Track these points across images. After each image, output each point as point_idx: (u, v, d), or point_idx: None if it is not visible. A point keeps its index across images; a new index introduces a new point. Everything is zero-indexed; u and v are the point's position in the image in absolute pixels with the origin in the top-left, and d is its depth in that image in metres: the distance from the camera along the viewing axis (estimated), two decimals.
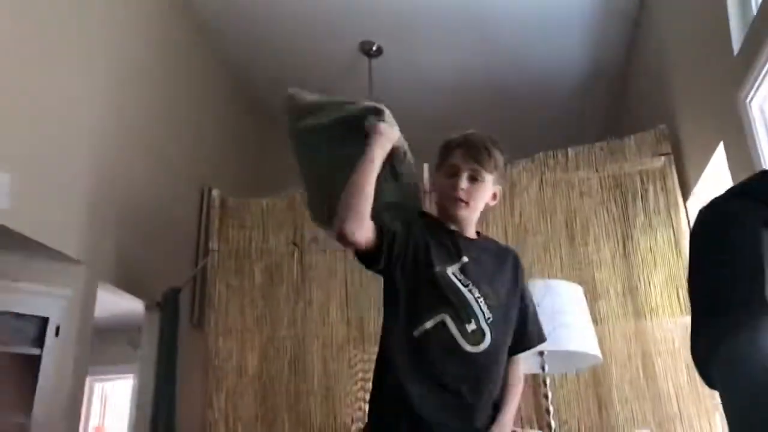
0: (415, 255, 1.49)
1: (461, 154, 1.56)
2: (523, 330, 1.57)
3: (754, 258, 0.93)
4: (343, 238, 1.43)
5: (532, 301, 1.63)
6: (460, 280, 1.48)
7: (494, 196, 1.60)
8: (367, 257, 1.48)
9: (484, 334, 1.44)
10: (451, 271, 1.49)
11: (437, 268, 1.48)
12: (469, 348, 1.42)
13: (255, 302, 3.18)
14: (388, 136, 1.57)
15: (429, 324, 1.42)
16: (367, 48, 3.97)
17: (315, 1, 3.63)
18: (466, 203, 1.54)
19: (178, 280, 3.33)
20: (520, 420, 2.51)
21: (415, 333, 1.42)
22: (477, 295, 1.47)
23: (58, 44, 2.59)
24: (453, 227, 1.57)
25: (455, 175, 1.54)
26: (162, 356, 3.14)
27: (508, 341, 1.53)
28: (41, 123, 2.42)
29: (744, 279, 0.93)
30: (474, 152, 1.55)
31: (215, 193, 3.43)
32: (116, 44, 3.01)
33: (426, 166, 3.28)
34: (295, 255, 3.20)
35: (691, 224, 2.81)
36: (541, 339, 1.63)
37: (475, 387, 1.42)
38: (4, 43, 2.26)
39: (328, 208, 1.56)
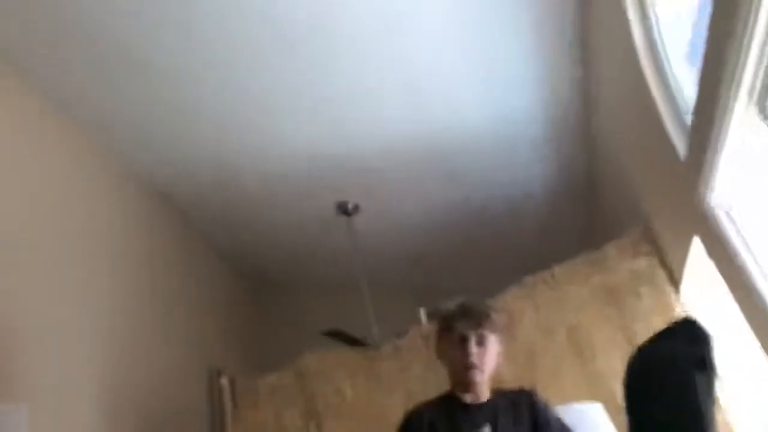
0: None
1: (465, 323, 1.67)
2: None
3: (692, 403, 0.96)
4: None
5: (559, 425, 1.64)
6: None
7: (499, 354, 1.69)
8: None
9: None
10: None
11: None
12: None
13: None
14: None
15: None
16: (344, 207, 4.15)
17: (286, 172, 3.83)
18: (480, 368, 1.62)
19: None
20: None
21: None
22: None
23: (58, 262, 2.70)
24: (467, 398, 1.63)
25: (463, 343, 1.64)
26: None
27: None
28: (46, 346, 2.47)
29: (685, 427, 0.95)
30: (476, 318, 1.67)
31: (224, 380, 3.42)
32: (110, 249, 3.14)
33: (422, 311, 3.35)
34: (312, 427, 3.15)
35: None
36: None
37: None
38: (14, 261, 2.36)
39: None
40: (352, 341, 3.83)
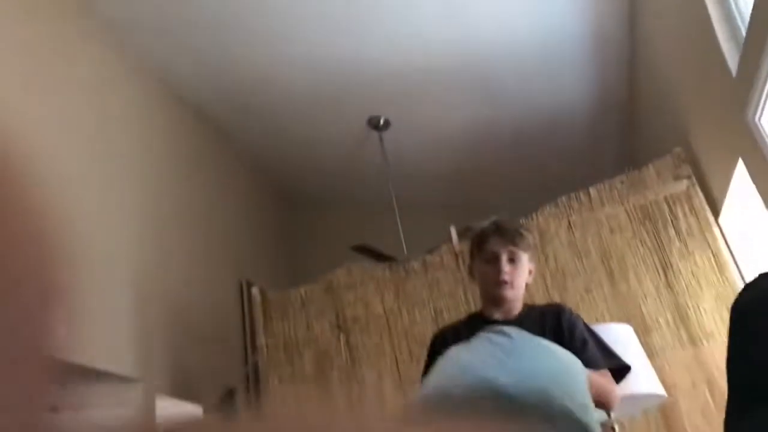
0: None
1: (497, 240, 1.66)
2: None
3: None
4: None
5: (582, 337, 1.62)
6: None
7: (530, 272, 1.68)
8: None
9: None
10: None
11: None
12: None
13: (309, 391, 3.19)
14: None
15: None
16: (375, 122, 4.08)
17: (318, 85, 3.76)
18: (511, 284, 1.62)
19: (231, 379, 3.37)
20: None
21: None
22: None
23: (90, 164, 2.73)
24: (497, 315, 1.63)
25: (495, 260, 1.64)
26: None
27: None
28: (83, 254, 2.53)
29: None
30: (509, 236, 1.66)
31: (255, 290, 3.50)
32: (145, 158, 3.16)
33: (453, 229, 3.33)
34: (341, 338, 3.23)
35: (728, 241, 2.82)
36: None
37: None
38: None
39: None
40: (381, 257, 3.85)
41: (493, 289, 1.66)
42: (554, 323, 1.65)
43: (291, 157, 4.52)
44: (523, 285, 1.68)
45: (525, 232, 1.72)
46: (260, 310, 3.40)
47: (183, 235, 3.38)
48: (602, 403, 1.51)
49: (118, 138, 2.99)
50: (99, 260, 2.62)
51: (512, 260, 1.66)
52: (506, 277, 1.63)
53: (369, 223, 4.58)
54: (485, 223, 1.75)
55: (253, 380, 3.53)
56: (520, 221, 1.79)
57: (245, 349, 3.74)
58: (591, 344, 1.60)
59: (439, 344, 1.63)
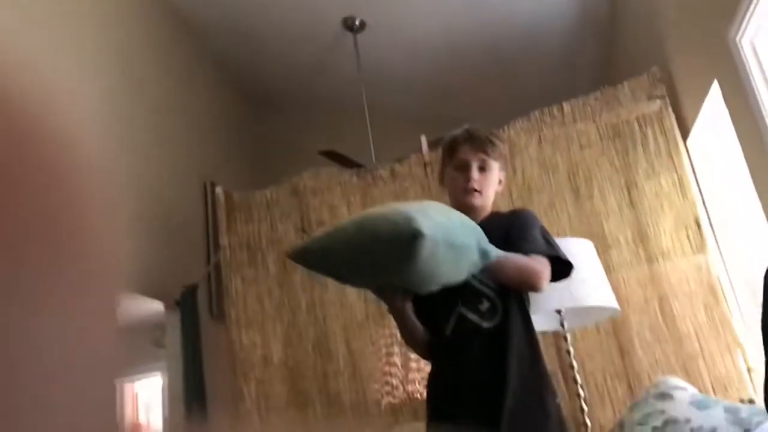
0: None
1: (468, 147, 1.64)
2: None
3: None
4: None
5: (528, 228, 1.61)
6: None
7: (500, 181, 1.67)
8: None
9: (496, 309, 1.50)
10: None
11: None
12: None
13: (272, 291, 3.22)
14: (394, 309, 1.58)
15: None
16: (350, 23, 3.94)
17: None
18: (480, 192, 1.61)
19: (194, 277, 3.37)
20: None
21: None
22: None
23: (52, 56, 2.59)
24: None
25: (465, 167, 1.62)
26: (187, 353, 3.20)
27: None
28: None
29: None
30: (479, 144, 1.64)
31: (219, 189, 3.44)
32: (109, 52, 3.02)
33: (423, 138, 3.29)
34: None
35: (693, 164, 2.84)
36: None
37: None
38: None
39: None
40: (349, 163, 3.81)
41: (462, 196, 1.65)
42: (509, 220, 1.66)
43: (261, 56, 4.36)
44: (492, 194, 1.67)
45: (497, 141, 1.70)
46: (224, 210, 3.36)
47: (147, 133, 3.28)
48: (525, 282, 1.52)
49: (81, 31, 2.84)
50: None
51: (483, 168, 1.64)
52: (475, 185, 1.62)
53: (338, 128, 4.51)
54: (457, 131, 1.73)
55: (215, 279, 3.54)
56: (493, 131, 1.77)
57: (208, 248, 3.73)
58: (535, 233, 1.60)
59: None
